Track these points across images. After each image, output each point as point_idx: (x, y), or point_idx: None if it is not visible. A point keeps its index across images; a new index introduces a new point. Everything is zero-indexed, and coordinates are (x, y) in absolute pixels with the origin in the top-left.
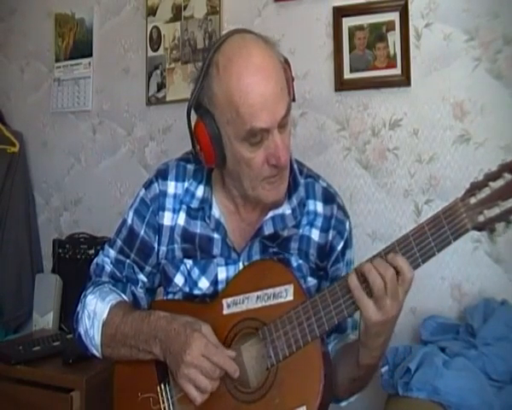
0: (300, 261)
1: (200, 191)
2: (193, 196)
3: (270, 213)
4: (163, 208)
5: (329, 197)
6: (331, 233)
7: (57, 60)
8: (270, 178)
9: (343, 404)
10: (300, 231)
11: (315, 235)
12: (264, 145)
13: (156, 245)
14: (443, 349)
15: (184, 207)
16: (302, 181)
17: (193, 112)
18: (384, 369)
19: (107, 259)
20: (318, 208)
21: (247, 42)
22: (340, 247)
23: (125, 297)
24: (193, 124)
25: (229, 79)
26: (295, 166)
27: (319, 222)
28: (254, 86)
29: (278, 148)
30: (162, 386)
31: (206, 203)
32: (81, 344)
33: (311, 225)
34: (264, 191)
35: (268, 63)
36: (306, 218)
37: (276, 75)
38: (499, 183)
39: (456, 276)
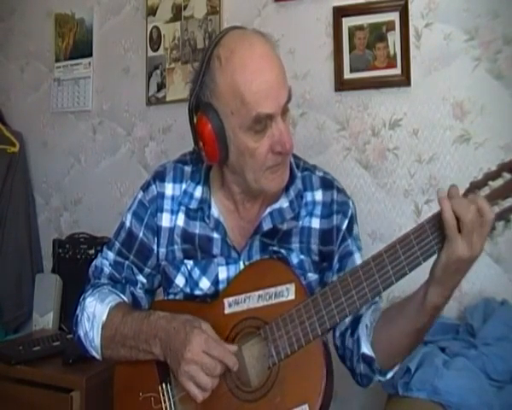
0: (302, 257)
1: (198, 192)
2: (191, 196)
3: (268, 209)
4: (161, 210)
5: (328, 184)
6: (335, 217)
7: (57, 60)
8: (274, 167)
9: (389, 376)
10: (300, 223)
11: (315, 223)
12: (268, 133)
13: (155, 247)
14: (443, 349)
15: (183, 208)
16: (299, 174)
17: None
18: None
19: (105, 261)
20: (317, 197)
21: (247, 34)
22: (345, 225)
23: (125, 298)
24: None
25: (233, 69)
26: (292, 159)
27: (318, 210)
28: (259, 74)
29: (283, 134)
30: (163, 386)
31: (204, 203)
32: (81, 347)
33: (311, 214)
34: (267, 181)
35: (270, 52)
36: (305, 209)
37: (278, 63)
38: (499, 182)
39: None
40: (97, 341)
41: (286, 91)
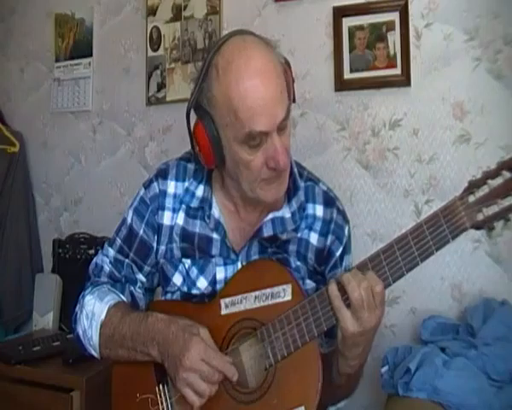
0: (299, 263)
1: (200, 191)
2: (193, 195)
3: (270, 215)
4: (162, 208)
5: (329, 201)
6: (330, 238)
7: (57, 60)
8: (269, 180)
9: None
10: (299, 234)
11: (313, 239)
12: (263, 148)
13: (155, 245)
14: (443, 349)
15: (184, 206)
16: (302, 185)
17: (192, 112)
18: (384, 369)
19: (106, 258)
20: (318, 212)
21: (247, 44)
22: (338, 253)
23: (124, 298)
24: (192, 124)
25: (229, 83)
26: (295, 169)
27: (318, 226)
28: (253, 90)
29: (277, 151)
30: (161, 387)
31: (205, 203)
32: (79, 344)
33: (310, 228)
34: (262, 192)
35: (268, 66)
36: (305, 222)
37: (276, 78)
38: (498, 181)
39: (456, 276)
40: (96, 339)
41: (283, 108)
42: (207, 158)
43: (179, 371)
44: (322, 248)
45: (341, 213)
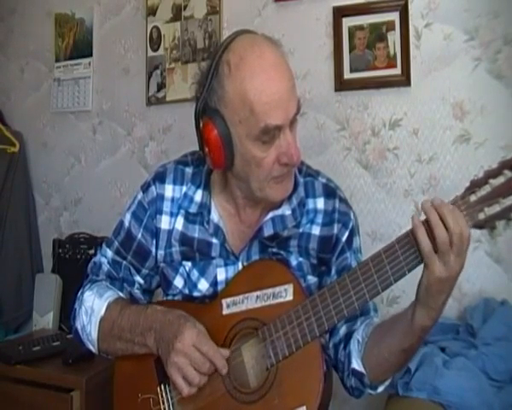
0: (300, 259)
1: (198, 196)
2: (191, 200)
3: (270, 214)
4: (160, 212)
5: (330, 192)
6: (336, 226)
7: (57, 60)
8: (279, 178)
9: (380, 390)
10: (300, 229)
11: (315, 230)
12: (276, 144)
13: (154, 249)
14: (443, 349)
15: (182, 211)
16: (301, 180)
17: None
18: None
19: (104, 258)
20: (319, 205)
21: (257, 40)
22: (345, 237)
23: (122, 295)
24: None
25: (243, 77)
26: None
27: (319, 219)
28: (269, 83)
29: (290, 146)
30: (162, 387)
31: (204, 208)
32: (78, 340)
33: (312, 222)
34: (271, 191)
35: (280, 60)
36: (306, 217)
37: (288, 73)
38: (499, 180)
39: None
40: (94, 335)
41: (295, 102)
42: (217, 158)
43: (171, 355)
44: (328, 237)
45: (343, 201)
